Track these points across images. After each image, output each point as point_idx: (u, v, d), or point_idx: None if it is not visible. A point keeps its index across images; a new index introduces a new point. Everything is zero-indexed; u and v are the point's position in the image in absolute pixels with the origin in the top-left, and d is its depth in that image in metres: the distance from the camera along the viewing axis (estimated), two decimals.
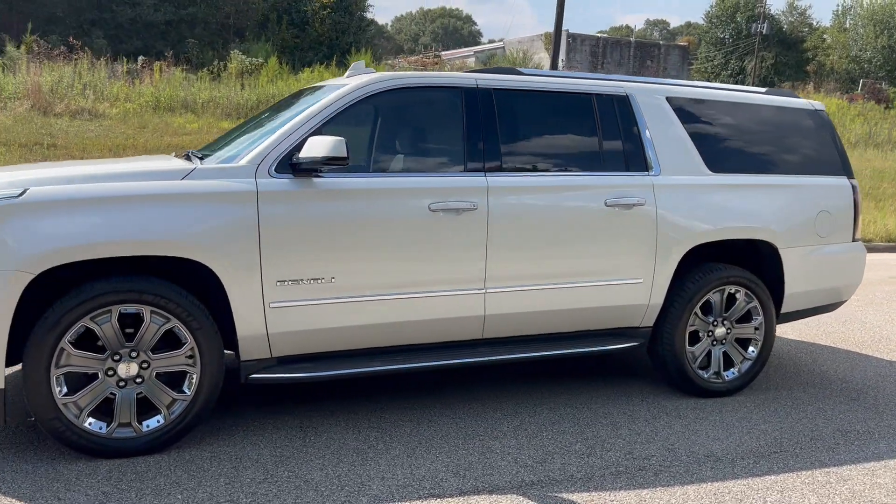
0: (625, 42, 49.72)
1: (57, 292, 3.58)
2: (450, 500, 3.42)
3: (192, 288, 3.81)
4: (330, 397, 4.66)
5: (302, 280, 3.88)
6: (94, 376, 3.62)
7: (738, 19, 47.71)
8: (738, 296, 4.99)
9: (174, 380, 3.79)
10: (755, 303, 5.03)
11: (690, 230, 4.78)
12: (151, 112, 15.96)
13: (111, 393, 3.65)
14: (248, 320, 3.81)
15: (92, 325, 3.55)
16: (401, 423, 4.30)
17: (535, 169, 4.52)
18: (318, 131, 3.99)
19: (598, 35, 50.69)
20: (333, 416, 4.37)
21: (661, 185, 4.73)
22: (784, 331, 6.92)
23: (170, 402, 3.75)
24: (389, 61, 29.11)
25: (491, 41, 57.96)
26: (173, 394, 3.75)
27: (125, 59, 19.54)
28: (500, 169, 4.36)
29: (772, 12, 49.23)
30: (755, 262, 5.23)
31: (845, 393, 5.23)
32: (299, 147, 3.89)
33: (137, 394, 3.69)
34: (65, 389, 3.55)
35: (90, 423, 3.61)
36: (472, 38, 62.15)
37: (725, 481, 3.75)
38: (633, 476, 3.76)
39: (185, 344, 3.73)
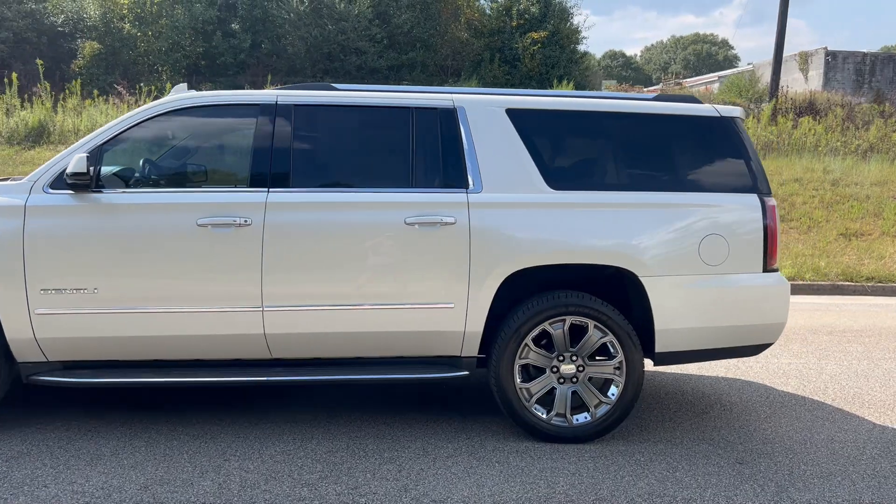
0: None
1: None
2: None
3: None
4: (182, 408, 4.86)
5: (65, 290, 4.15)
6: None
7: None
8: (588, 328, 4.39)
9: None
10: (610, 337, 4.39)
11: (513, 252, 4.33)
12: None
13: None
14: (16, 325, 4.16)
15: None
16: (179, 436, 4.39)
17: (330, 185, 4.40)
18: (100, 149, 4.25)
19: (865, 52, 45.92)
20: (153, 424, 4.56)
21: (478, 203, 4.35)
22: (735, 371, 5.89)
23: None
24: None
25: (749, 64, 54.85)
26: None
27: None
28: (288, 185, 4.31)
29: None
30: (623, 292, 4.57)
31: (743, 452, 4.35)
32: None
33: None
34: None
35: None
36: (728, 62, 58.79)
37: None
38: None
39: None
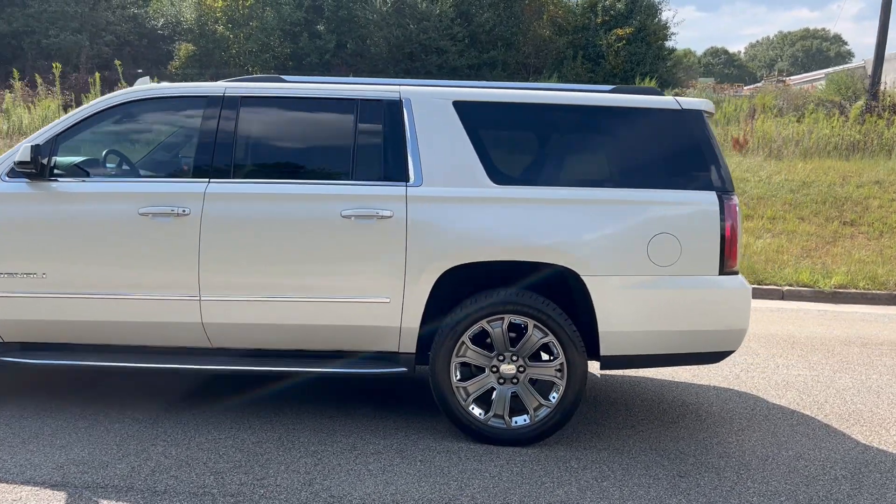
0: None
1: None
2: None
3: None
4: (142, 392, 5.02)
5: (16, 273, 4.33)
6: None
7: None
8: (528, 328, 4.24)
9: None
10: (551, 338, 4.22)
11: (449, 248, 4.22)
12: None
13: None
14: None
15: None
16: (123, 419, 4.51)
17: (271, 176, 4.42)
18: (54, 139, 4.42)
19: None
20: (106, 406, 4.71)
21: (416, 196, 4.27)
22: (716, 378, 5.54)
23: None
24: (690, 88, 27.62)
25: (863, 60, 52.13)
26: None
27: None
28: (229, 176, 4.35)
29: None
30: (568, 292, 4.39)
31: (691, 465, 4.11)
32: None
33: None
34: None
35: None
36: (840, 58, 55.67)
37: None
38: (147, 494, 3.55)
39: None
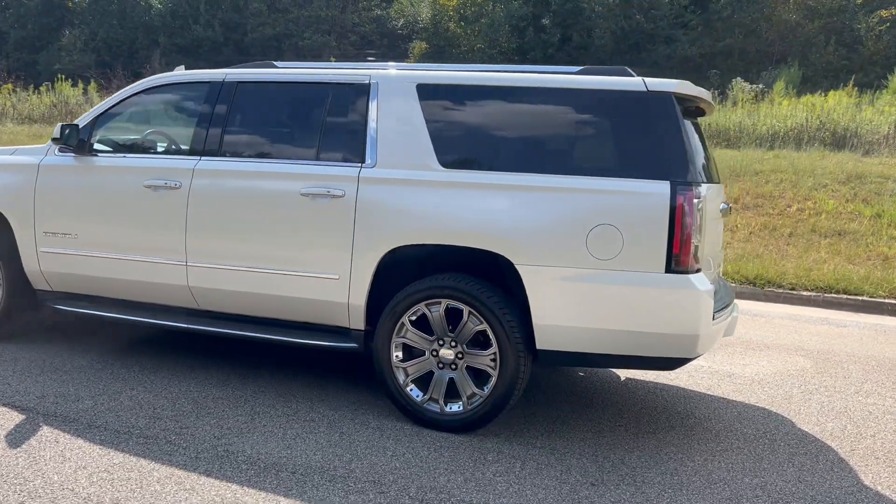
0: None
1: None
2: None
3: None
4: (175, 344, 5.63)
5: (56, 233, 5.11)
6: None
7: None
8: (464, 314, 4.18)
9: None
10: (484, 326, 4.12)
11: (392, 229, 4.28)
12: None
13: None
14: (29, 259, 5.22)
15: None
16: (131, 365, 5.10)
17: (251, 155, 4.75)
18: (94, 120, 5.12)
19: None
20: (137, 353, 5.38)
21: (367, 178, 4.37)
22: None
23: None
24: None
25: None
26: None
27: None
28: (216, 153, 4.77)
29: None
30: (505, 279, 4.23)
31: (620, 476, 3.82)
32: None
33: None
34: None
35: None
36: None
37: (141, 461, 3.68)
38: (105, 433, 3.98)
39: None
